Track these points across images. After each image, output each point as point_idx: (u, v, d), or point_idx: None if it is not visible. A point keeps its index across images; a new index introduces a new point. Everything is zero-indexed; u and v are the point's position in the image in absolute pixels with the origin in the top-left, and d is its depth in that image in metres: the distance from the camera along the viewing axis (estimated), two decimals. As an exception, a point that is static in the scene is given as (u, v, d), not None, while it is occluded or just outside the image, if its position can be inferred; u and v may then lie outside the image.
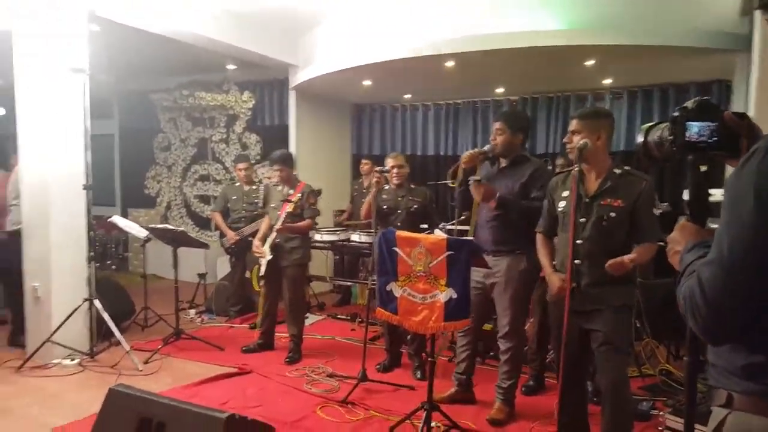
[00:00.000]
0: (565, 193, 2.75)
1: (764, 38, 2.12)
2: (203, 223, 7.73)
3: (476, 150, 3.37)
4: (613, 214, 2.56)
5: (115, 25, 4.60)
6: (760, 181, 0.92)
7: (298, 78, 6.19)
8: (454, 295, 2.88)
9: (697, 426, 2.84)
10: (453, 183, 3.40)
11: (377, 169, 3.94)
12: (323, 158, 7.03)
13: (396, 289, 3.03)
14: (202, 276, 5.98)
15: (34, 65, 4.08)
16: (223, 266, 6.77)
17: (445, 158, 6.88)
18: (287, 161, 4.46)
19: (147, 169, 8.14)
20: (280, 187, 4.51)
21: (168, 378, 3.95)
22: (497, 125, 3.31)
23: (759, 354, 0.99)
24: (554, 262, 2.84)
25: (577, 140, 2.60)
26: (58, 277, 4.18)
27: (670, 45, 4.31)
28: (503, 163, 3.38)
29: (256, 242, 4.48)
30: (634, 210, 2.55)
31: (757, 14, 2.25)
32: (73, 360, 4.11)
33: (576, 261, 2.59)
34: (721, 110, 1.23)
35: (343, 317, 5.73)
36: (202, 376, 3.95)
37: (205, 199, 7.72)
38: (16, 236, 4.33)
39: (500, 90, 6.40)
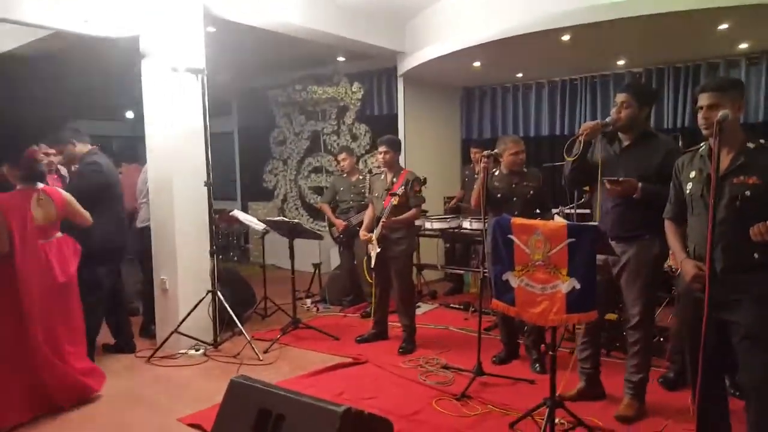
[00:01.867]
0: (693, 174, 2.47)
1: None
2: (317, 214, 7.93)
3: (597, 121, 3.11)
4: (747, 193, 2.26)
5: (230, 24, 4.79)
6: None
7: (406, 65, 6.12)
8: (577, 286, 2.65)
9: None
10: (570, 158, 3.14)
11: (485, 153, 3.72)
12: (432, 144, 6.92)
13: (513, 280, 2.84)
14: (316, 266, 6.13)
15: (157, 67, 4.32)
16: (336, 256, 6.89)
17: (561, 138, 6.46)
18: (394, 144, 4.44)
19: (265, 164, 8.51)
20: (383, 176, 4.47)
21: (286, 367, 4.06)
22: (622, 97, 3.04)
23: None
24: (687, 250, 2.52)
25: (720, 113, 2.25)
26: (184, 269, 4.42)
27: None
28: (625, 141, 3.09)
29: (363, 232, 4.48)
30: None
31: None
32: (198, 350, 4.33)
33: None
34: None
35: (456, 306, 5.60)
36: (319, 366, 4.01)
37: (318, 191, 7.92)
38: (145, 232, 4.66)
39: (621, 62, 5.88)
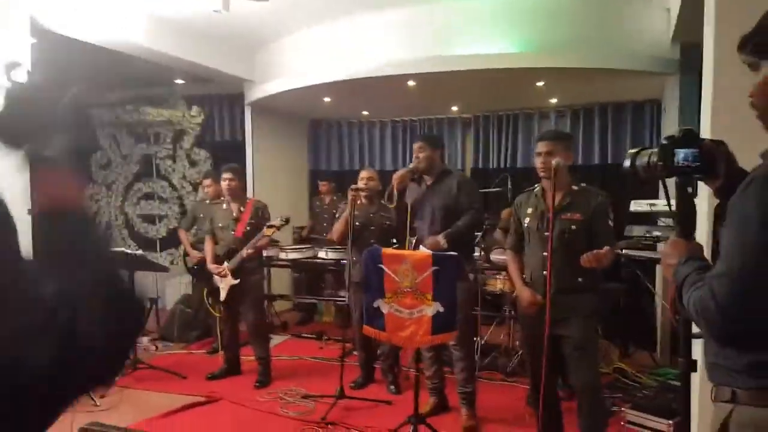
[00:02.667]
0: (529, 210, 2.89)
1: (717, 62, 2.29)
2: (149, 245, 7.37)
3: (404, 169, 3.60)
4: (573, 227, 2.71)
5: (53, 35, 4.34)
6: (761, 208, 1.07)
7: (254, 94, 6.07)
8: (441, 309, 2.90)
9: (656, 419, 3.02)
10: (391, 205, 3.61)
11: (352, 186, 3.89)
12: (280, 174, 6.90)
13: (383, 306, 3.00)
14: (153, 300, 5.69)
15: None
16: (173, 289, 6.48)
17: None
18: (240, 173, 4.37)
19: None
20: (225, 206, 4.35)
21: (130, 412, 3.70)
22: (418, 145, 3.57)
23: (761, 353, 1.14)
24: (524, 276, 2.94)
25: (554, 160, 2.68)
26: None
27: (610, 67, 4.59)
28: (428, 180, 3.58)
29: (212, 267, 4.26)
30: (591, 222, 2.71)
31: (709, 34, 2.41)
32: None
33: (544, 273, 2.71)
34: (701, 138, 1.42)
35: (309, 335, 5.60)
36: (168, 408, 3.73)
37: (150, 219, 7.38)
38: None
39: (455, 108, 6.53)
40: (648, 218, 4.68)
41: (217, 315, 4.57)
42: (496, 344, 4.77)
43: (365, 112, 6.93)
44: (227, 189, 4.29)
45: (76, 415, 3.49)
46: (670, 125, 4.95)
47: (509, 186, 5.16)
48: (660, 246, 4.21)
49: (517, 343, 4.40)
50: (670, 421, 3.00)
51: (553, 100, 6.02)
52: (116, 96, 7.14)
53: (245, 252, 4.11)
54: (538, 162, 2.79)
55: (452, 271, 2.91)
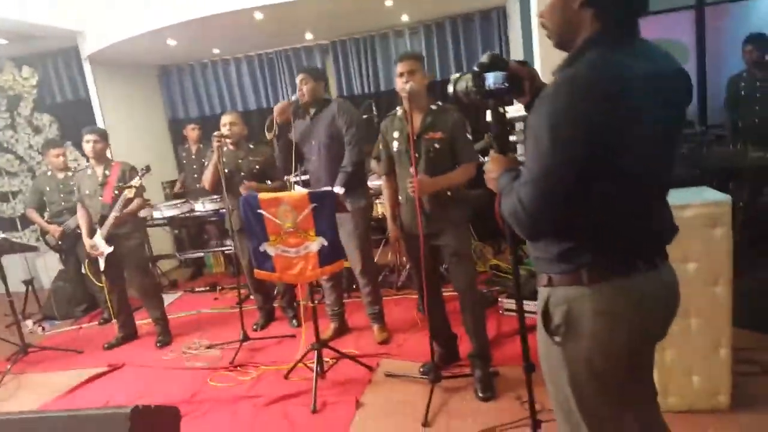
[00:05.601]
0: (396, 134, 3.01)
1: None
2: (6, 225, 6.78)
3: (284, 101, 3.63)
4: (437, 146, 2.87)
5: None
6: (551, 120, 1.24)
7: (91, 45, 5.59)
8: (325, 243, 3.08)
9: (527, 302, 3.52)
10: (270, 135, 3.60)
11: (216, 133, 3.83)
12: (137, 129, 6.53)
13: (269, 249, 3.13)
14: (28, 282, 5.35)
15: None
16: (47, 267, 6.11)
17: (268, 111, 6.79)
18: (103, 134, 4.18)
19: None
20: (89, 171, 4.18)
21: (32, 396, 3.63)
22: (301, 77, 3.62)
23: (566, 243, 1.36)
24: (399, 197, 3.10)
25: (416, 80, 2.80)
26: None
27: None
28: (311, 112, 3.66)
29: (86, 241, 4.11)
30: (452, 139, 2.88)
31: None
32: None
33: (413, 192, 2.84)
34: (506, 61, 1.57)
35: (202, 289, 5.62)
36: (71, 385, 3.68)
37: (2, 197, 6.74)
38: None
39: (309, 36, 6.45)
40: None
41: (101, 285, 4.44)
42: (386, 264, 5.12)
43: (216, 50, 6.62)
44: (92, 152, 4.07)
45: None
46: (516, 31, 5.29)
47: (374, 111, 5.33)
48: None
49: (405, 259, 4.72)
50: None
51: (405, 18, 6.13)
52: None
53: (112, 217, 3.98)
54: (399, 83, 2.83)
55: (330, 206, 3.07)
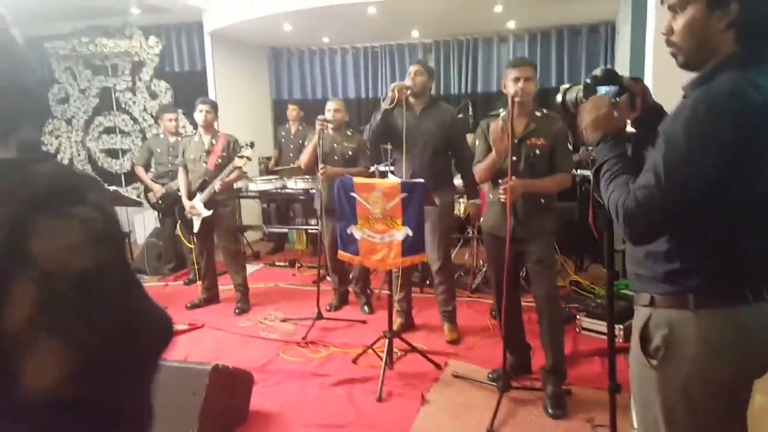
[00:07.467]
0: None
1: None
2: (113, 179, 7.32)
3: (402, 82, 3.60)
4: (537, 152, 2.84)
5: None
6: (692, 128, 1.20)
7: (214, 22, 5.92)
8: (410, 233, 3.10)
9: (600, 322, 3.34)
10: (386, 106, 3.56)
11: (320, 117, 3.96)
12: (243, 104, 6.85)
13: (356, 232, 3.19)
14: (126, 235, 5.76)
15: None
16: (144, 223, 6.54)
17: (366, 101, 6.96)
18: (215, 106, 4.41)
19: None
20: (196, 138, 4.41)
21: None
22: (417, 68, 3.62)
23: (674, 263, 1.31)
24: (490, 195, 3.07)
25: (530, 86, 2.78)
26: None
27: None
28: (418, 106, 3.66)
29: (186, 202, 4.35)
30: (553, 147, 2.84)
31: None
32: None
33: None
34: (620, 76, 1.54)
35: (282, 264, 5.80)
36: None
37: (113, 153, 7.29)
38: None
39: (415, 34, 6.51)
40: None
41: (191, 246, 4.70)
42: (461, 264, 5.07)
43: (326, 39, 6.84)
44: (203, 121, 4.32)
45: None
46: (624, 47, 5.07)
47: (470, 112, 5.30)
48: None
49: (481, 261, 4.68)
50: (621, 326, 3.32)
51: (511, 25, 6.07)
52: (70, 28, 6.84)
53: (217, 185, 4.20)
54: (512, 87, 2.79)
55: (419, 198, 3.09)
